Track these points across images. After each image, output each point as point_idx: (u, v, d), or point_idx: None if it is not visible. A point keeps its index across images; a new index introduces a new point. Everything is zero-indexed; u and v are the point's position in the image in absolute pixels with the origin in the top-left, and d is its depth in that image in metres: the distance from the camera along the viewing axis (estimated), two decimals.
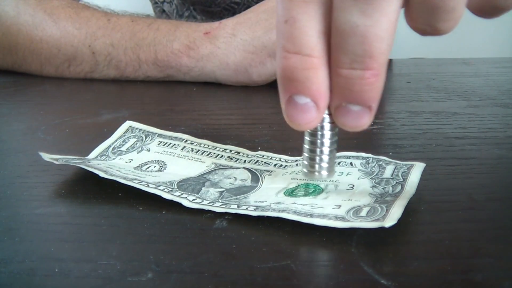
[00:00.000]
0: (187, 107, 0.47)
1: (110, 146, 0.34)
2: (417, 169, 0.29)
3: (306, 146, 0.25)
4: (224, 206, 0.27)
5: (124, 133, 0.35)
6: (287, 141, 0.38)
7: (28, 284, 0.22)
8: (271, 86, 0.53)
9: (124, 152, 0.34)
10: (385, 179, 0.29)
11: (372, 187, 0.28)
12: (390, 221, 0.24)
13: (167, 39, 0.53)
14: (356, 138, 0.38)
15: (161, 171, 0.32)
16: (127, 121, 0.36)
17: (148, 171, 0.31)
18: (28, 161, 0.34)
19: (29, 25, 0.57)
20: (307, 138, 0.25)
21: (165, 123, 0.41)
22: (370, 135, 0.39)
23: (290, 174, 0.30)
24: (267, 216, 0.26)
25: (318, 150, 0.25)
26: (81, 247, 0.24)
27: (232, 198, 0.28)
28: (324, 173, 0.26)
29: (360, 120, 0.23)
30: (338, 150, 0.31)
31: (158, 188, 0.28)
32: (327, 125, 0.24)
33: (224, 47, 0.52)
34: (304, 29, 0.22)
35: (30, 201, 0.29)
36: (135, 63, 0.54)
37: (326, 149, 0.25)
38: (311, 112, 0.23)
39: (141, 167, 0.32)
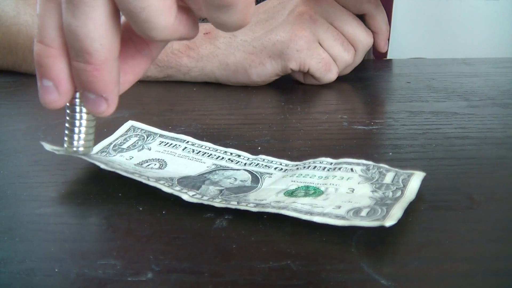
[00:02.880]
0: (187, 107, 0.47)
1: (111, 143, 0.34)
2: (417, 177, 0.29)
3: (66, 124, 0.28)
4: (224, 202, 0.27)
5: (126, 132, 0.36)
6: (287, 141, 0.38)
7: (28, 284, 0.22)
8: (271, 86, 0.53)
9: (125, 149, 0.34)
10: (385, 184, 0.29)
11: (372, 191, 0.28)
12: (390, 221, 0.24)
13: None
14: (356, 138, 0.38)
15: (161, 169, 0.32)
16: (129, 121, 0.37)
17: (148, 168, 0.31)
18: (28, 161, 0.34)
19: (29, 25, 0.57)
20: (67, 117, 0.28)
21: (165, 123, 0.41)
22: (370, 135, 0.39)
23: (290, 177, 0.30)
24: (267, 215, 0.26)
25: (76, 128, 0.28)
26: (81, 247, 0.24)
27: (232, 195, 0.28)
28: (81, 148, 0.29)
29: (98, 107, 0.27)
30: (340, 155, 0.31)
31: (159, 182, 0.28)
32: (83, 108, 0.28)
33: (224, 48, 0.52)
34: (46, 23, 0.25)
35: (30, 201, 0.29)
36: None
37: (83, 128, 0.28)
38: (53, 94, 0.26)
39: (142, 164, 0.32)
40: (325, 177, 0.30)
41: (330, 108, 0.47)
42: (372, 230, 0.25)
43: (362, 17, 0.53)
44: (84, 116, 0.28)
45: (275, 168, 0.32)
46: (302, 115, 0.44)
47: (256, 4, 0.54)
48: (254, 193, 0.29)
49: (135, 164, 0.32)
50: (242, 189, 0.29)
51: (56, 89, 0.26)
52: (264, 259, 0.23)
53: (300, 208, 0.26)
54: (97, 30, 0.24)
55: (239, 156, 0.34)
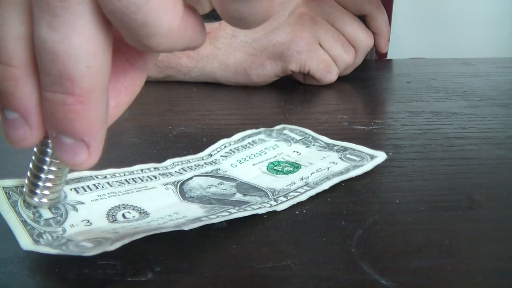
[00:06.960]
0: (187, 107, 0.47)
1: (25, 221, 0.23)
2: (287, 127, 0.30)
3: (30, 166, 0.22)
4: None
5: (8, 198, 0.24)
6: None
7: (28, 284, 0.22)
8: (271, 86, 0.53)
9: (61, 221, 0.24)
10: (300, 140, 0.29)
11: (307, 146, 0.28)
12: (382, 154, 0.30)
13: None
14: (356, 138, 0.38)
15: (146, 214, 0.26)
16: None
17: (139, 221, 0.25)
18: (28, 161, 0.34)
19: None
20: (33, 157, 0.22)
21: (165, 123, 0.41)
22: (370, 135, 0.39)
23: (242, 163, 0.30)
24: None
25: (42, 175, 0.22)
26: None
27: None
28: (44, 200, 0.23)
29: (76, 156, 0.20)
30: None
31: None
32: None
33: (224, 48, 0.52)
34: (3, 34, 0.19)
35: None
36: None
37: (51, 176, 0.22)
38: (22, 129, 0.20)
39: (113, 221, 0.25)
40: (262, 151, 0.29)
41: (330, 108, 0.47)
42: (372, 230, 0.25)
43: (362, 18, 0.53)
44: (56, 162, 0.22)
45: (205, 163, 0.30)
46: (302, 115, 0.44)
47: None
48: (274, 182, 0.28)
49: (110, 223, 0.25)
50: (245, 187, 0.29)
51: (25, 123, 0.20)
52: (264, 259, 0.23)
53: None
54: (84, 46, 0.18)
55: (156, 168, 0.29)
